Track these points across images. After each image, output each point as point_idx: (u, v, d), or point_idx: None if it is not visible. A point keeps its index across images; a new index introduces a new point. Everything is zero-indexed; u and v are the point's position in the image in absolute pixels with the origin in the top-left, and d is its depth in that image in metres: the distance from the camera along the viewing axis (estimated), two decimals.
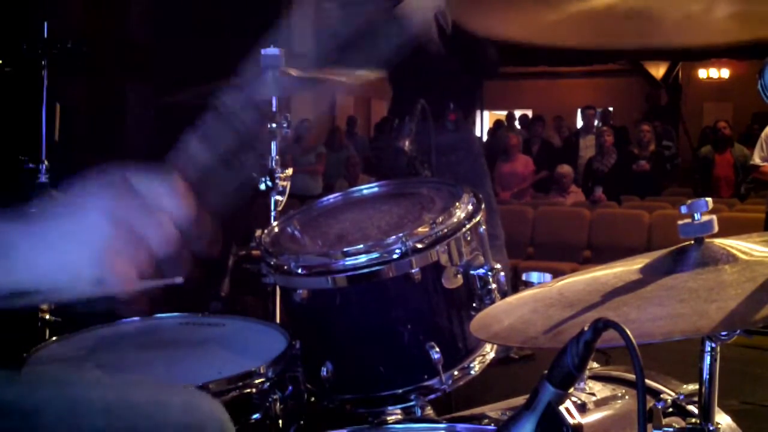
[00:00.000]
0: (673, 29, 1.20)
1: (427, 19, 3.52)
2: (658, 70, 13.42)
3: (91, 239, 0.82)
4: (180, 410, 1.07)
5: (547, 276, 1.41)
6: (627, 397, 1.41)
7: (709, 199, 1.04)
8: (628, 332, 0.78)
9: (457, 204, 1.54)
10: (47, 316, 2.36)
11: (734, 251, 1.01)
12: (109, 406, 1.02)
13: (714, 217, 1.04)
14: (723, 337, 1.04)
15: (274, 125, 2.30)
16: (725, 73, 13.98)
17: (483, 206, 1.59)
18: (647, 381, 1.15)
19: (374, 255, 1.44)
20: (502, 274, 1.54)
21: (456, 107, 3.52)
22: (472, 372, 1.54)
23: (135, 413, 1.03)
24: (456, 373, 1.51)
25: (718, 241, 1.04)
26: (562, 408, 0.87)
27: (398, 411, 1.50)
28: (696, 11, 1.15)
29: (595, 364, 1.54)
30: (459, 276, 1.50)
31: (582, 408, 1.35)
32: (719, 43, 1.16)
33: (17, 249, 0.82)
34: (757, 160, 5.05)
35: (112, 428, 1.01)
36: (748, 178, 7.52)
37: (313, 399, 1.61)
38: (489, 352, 1.58)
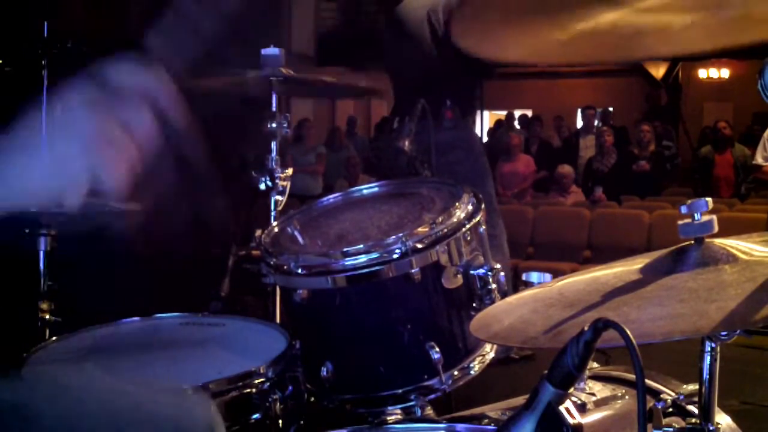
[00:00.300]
0: (677, 38, 1.20)
1: (421, 19, 3.53)
2: (658, 70, 13.42)
3: (79, 136, 0.82)
4: (176, 413, 1.08)
5: (547, 276, 1.41)
6: (627, 397, 1.41)
7: (709, 199, 1.04)
8: (628, 332, 0.78)
9: (457, 204, 1.54)
10: (47, 316, 2.36)
11: (734, 251, 1.01)
12: (108, 409, 1.03)
13: (714, 217, 1.04)
14: (723, 337, 1.04)
15: (274, 125, 2.30)
16: (725, 73, 13.98)
17: (483, 206, 1.60)
18: (647, 381, 1.15)
19: (374, 255, 1.44)
20: (502, 274, 1.54)
21: (452, 105, 3.52)
22: (472, 372, 1.54)
23: (132, 416, 1.04)
24: (456, 373, 1.51)
25: (718, 241, 1.04)
26: (562, 408, 0.87)
27: (398, 411, 1.50)
28: (700, 19, 1.15)
29: (595, 364, 1.54)
30: (459, 276, 1.50)
31: (582, 408, 1.35)
32: (722, 46, 1.16)
33: (6, 161, 0.80)
34: (759, 160, 5.05)
35: (106, 424, 1.02)
36: (749, 178, 7.52)
37: (313, 399, 1.61)
38: (489, 352, 1.58)
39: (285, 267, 1.52)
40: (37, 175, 0.83)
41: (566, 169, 7.86)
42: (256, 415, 1.51)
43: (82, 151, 0.82)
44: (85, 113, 0.82)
